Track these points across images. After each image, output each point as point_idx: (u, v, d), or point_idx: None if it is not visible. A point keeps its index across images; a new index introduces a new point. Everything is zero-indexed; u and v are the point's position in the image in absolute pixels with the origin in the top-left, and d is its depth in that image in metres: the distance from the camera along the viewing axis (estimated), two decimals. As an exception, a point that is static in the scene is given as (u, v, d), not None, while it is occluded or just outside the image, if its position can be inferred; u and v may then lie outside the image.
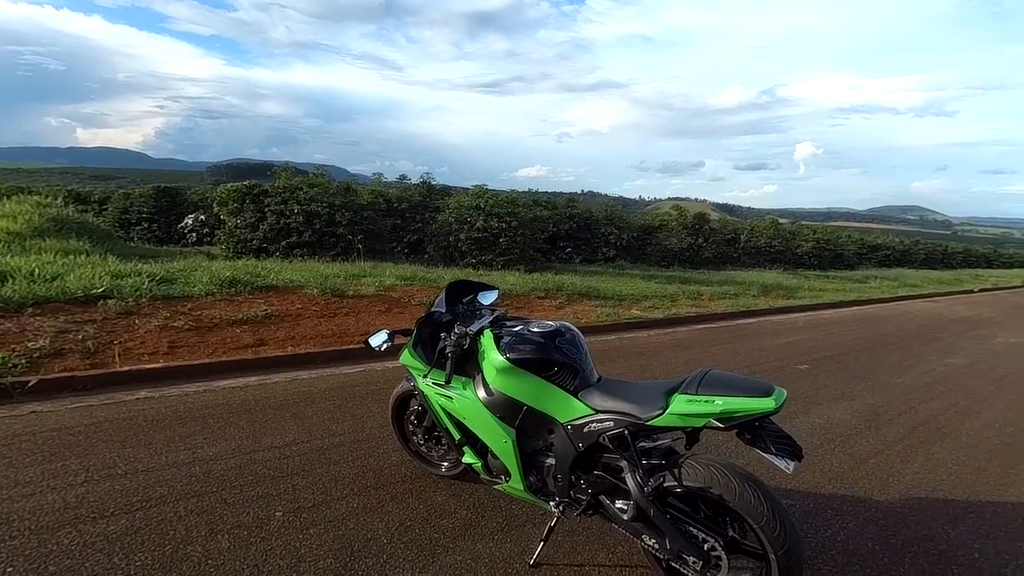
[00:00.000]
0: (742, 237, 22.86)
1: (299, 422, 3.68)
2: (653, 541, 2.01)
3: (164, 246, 16.91)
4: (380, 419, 3.69)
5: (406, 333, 2.77)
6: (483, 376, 2.37)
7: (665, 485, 1.97)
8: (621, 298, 9.63)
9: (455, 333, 2.42)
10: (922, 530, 2.79)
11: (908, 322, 10.35)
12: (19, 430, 3.35)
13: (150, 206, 20.20)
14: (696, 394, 1.85)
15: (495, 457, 2.41)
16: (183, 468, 2.97)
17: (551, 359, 2.21)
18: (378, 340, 2.70)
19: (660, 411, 1.91)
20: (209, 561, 2.23)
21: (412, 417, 3.01)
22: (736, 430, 1.84)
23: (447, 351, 2.41)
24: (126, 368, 4.39)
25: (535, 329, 2.32)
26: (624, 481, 2.05)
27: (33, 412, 3.64)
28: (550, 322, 2.40)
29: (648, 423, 1.94)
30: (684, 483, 1.93)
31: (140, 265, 6.96)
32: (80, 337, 4.74)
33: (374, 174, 18.29)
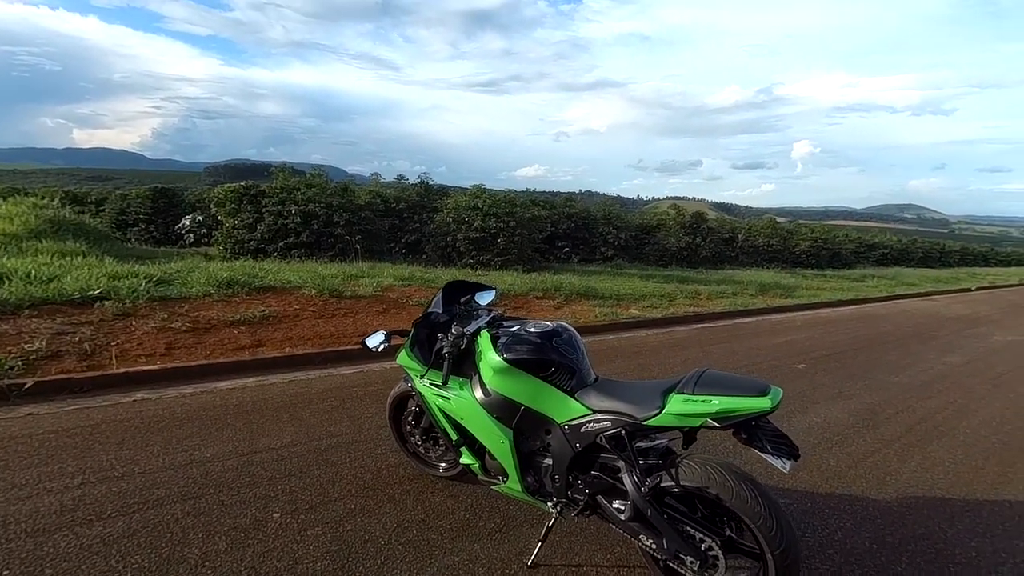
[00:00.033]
0: (740, 236, 22.89)
1: (297, 423, 3.68)
2: (651, 541, 2.01)
3: (161, 247, 16.89)
4: (378, 420, 3.69)
5: (403, 334, 2.77)
6: (480, 376, 2.37)
7: (662, 485, 1.97)
8: (619, 298, 9.63)
9: (452, 333, 2.42)
10: (919, 529, 2.79)
11: (906, 321, 10.37)
12: (15, 432, 3.34)
13: (147, 207, 20.17)
14: (693, 394, 1.85)
15: (492, 458, 2.40)
16: (180, 470, 2.97)
17: (548, 359, 2.21)
18: (375, 341, 2.70)
19: (657, 411, 1.91)
20: (206, 563, 2.23)
21: (410, 418, 3.00)
22: (733, 430, 1.84)
23: (444, 352, 2.41)
24: (123, 370, 4.38)
25: (532, 329, 2.32)
26: (621, 481, 2.05)
27: (29, 414, 3.63)
28: (547, 322, 2.39)
29: (645, 423, 1.94)
30: (681, 483, 1.93)
31: (137, 266, 6.95)
32: (77, 339, 4.73)
33: (372, 174, 18.31)
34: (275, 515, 2.58)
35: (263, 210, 11.72)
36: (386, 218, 14.04)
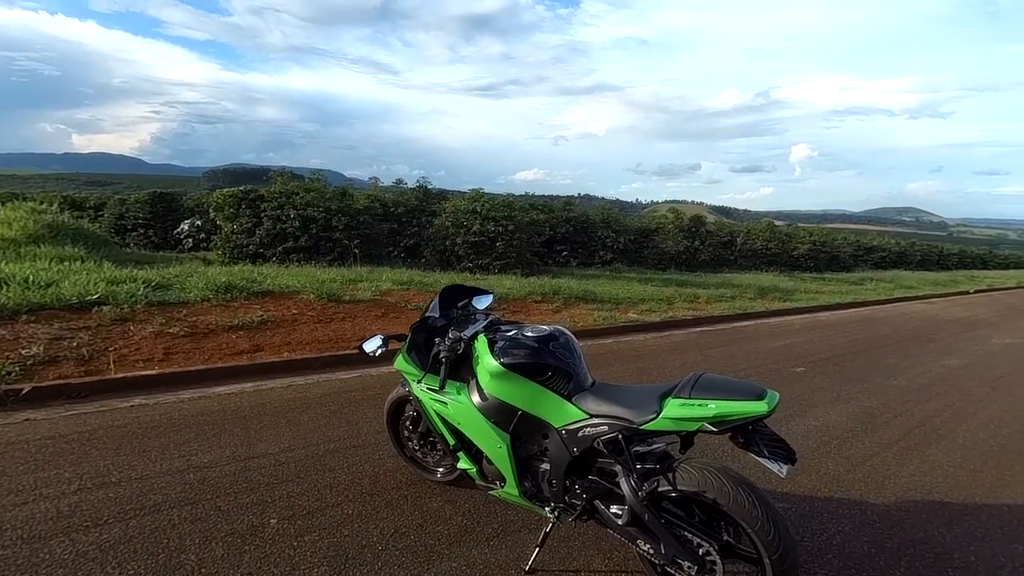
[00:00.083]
0: (738, 240, 22.93)
1: (295, 428, 3.67)
2: (648, 546, 2.00)
3: (160, 252, 16.86)
4: (376, 425, 3.68)
5: (400, 338, 2.77)
6: (477, 381, 2.37)
7: (659, 489, 1.96)
8: (618, 301, 9.64)
9: (449, 338, 2.42)
10: (918, 533, 2.79)
11: (904, 324, 10.38)
12: (12, 438, 3.33)
13: (146, 212, 20.15)
14: (689, 398, 1.86)
15: (490, 462, 2.40)
16: (177, 475, 2.96)
17: (545, 363, 2.21)
18: (372, 345, 2.69)
19: (654, 415, 1.91)
20: (203, 569, 2.22)
21: (407, 423, 3.00)
22: (729, 434, 1.84)
23: (441, 356, 2.41)
24: (121, 375, 4.37)
25: (529, 334, 2.32)
26: (619, 486, 2.04)
27: (27, 420, 3.62)
28: (544, 326, 2.40)
29: (642, 427, 1.94)
30: (678, 487, 1.93)
31: (135, 271, 6.94)
32: (75, 344, 4.72)
33: (370, 178, 18.33)
34: (272, 521, 2.57)
35: (262, 215, 11.72)
36: (385, 222, 14.05)
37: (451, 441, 2.55)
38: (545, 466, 2.27)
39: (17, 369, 4.18)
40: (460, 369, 2.47)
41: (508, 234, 12.75)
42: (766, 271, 20.09)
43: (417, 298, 7.72)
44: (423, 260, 13.61)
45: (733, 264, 21.52)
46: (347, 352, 5.40)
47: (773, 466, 1.80)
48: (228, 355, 5.09)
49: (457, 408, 2.43)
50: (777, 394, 1.82)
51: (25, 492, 2.71)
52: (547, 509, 2.27)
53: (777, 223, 28.17)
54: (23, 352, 4.40)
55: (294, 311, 6.45)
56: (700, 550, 1.93)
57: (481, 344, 2.36)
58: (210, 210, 13.33)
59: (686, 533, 1.96)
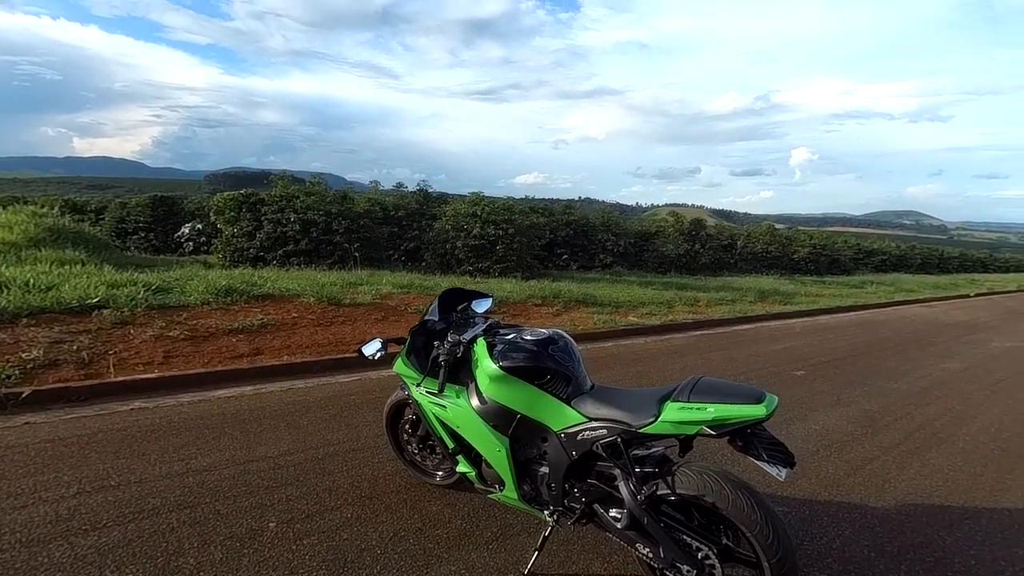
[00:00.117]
0: (739, 243, 22.95)
1: (294, 432, 3.67)
2: (647, 550, 2.00)
3: (161, 255, 16.90)
4: (375, 428, 3.68)
5: (400, 342, 2.77)
6: (476, 384, 2.37)
7: (658, 493, 1.96)
8: (618, 305, 9.64)
9: (448, 341, 2.42)
10: (918, 537, 2.78)
11: (904, 327, 10.38)
12: (12, 441, 3.33)
13: (147, 215, 20.22)
14: (688, 401, 1.85)
15: (489, 466, 2.40)
16: (176, 479, 2.96)
17: (544, 367, 2.21)
18: (371, 349, 2.70)
19: (652, 419, 1.91)
20: (201, 573, 2.22)
21: (407, 426, 3.00)
22: (728, 437, 1.84)
23: (440, 359, 2.41)
24: (120, 378, 4.38)
25: (528, 337, 2.32)
26: (618, 489, 2.04)
27: (26, 423, 3.62)
28: (543, 330, 2.40)
29: (641, 431, 1.94)
30: (677, 491, 1.93)
31: (136, 275, 6.95)
32: (75, 347, 4.72)
33: (371, 182, 18.36)
34: (271, 524, 2.57)
35: (262, 218, 11.74)
36: (385, 226, 14.07)
37: (450, 444, 2.55)
38: (544, 470, 2.27)
39: (17, 372, 4.19)
40: (459, 373, 2.47)
41: (508, 237, 12.77)
42: (766, 274, 20.11)
43: (417, 301, 7.72)
44: (423, 263, 13.63)
45: (733, 267, 21.53)
46: (347, 355, 5.40)
47: (772, 470, 1.80)
48: (228, 358, 5.10)
49: (456, 411, 2.43)
50: (776, 398, 1.82)
51: (24, 495, 2.71)
52: (546, 513, 2.27)
53: (777, 226, 28.19)
54: (23, 355, 4.41)
55: (294, 314, 6.45)
56: (699, 554, 1.93)
57: (480, 347, 2.36)
58: (211, 214, 13.35)
59: (685, 537, 1.96)
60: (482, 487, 2.50)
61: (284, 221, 11.61)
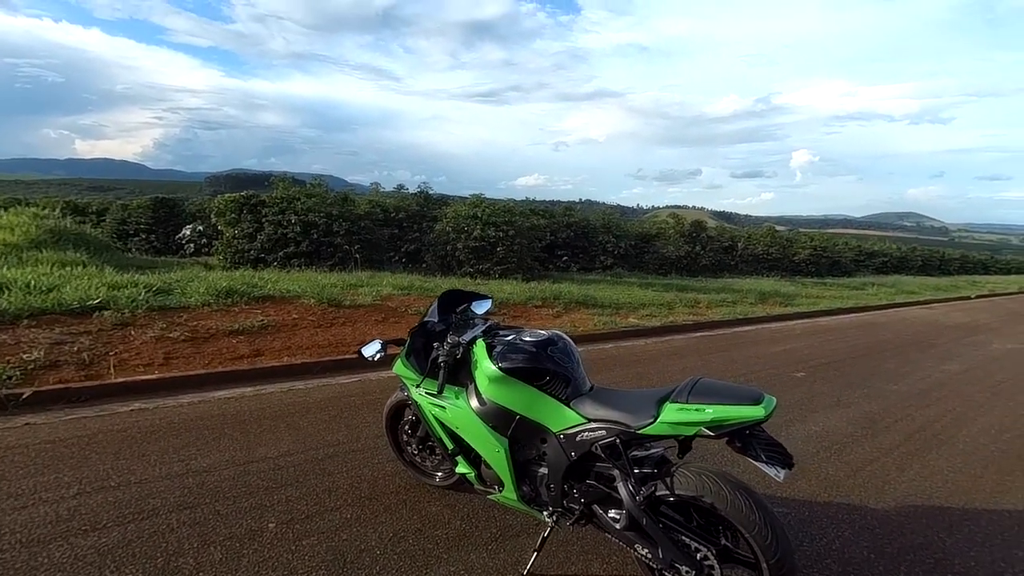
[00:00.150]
0: (739, 245, 22.94)
1: (294, 433, 3.68)
2: (646, 550, 2.00)
3: (162, 257, 16.92)
4: (375, 429, 3.69)
5: (399, 343, 2.77)
6: (476, 385, 2.37)
7: (657, 494, 1.96)
8: (618, 306, 9.64)
9: (448, 343, 2.43)
10: (918, 538, 2.78)
11: (905, 329, 10.37)
12: (12, 442, 3.34)
13: (148, 217, 20.23)
14: (687, 402, 1.86)
15: (488, 467, 2.40)
16: (176, 480, 2.96)
17: (543, 368, 2.22)
18: (371, 350, 2.71)
19: (651, 420, 1.91)
20: (201, 573, 2.22)
21: (406, 427, 3.00)
22: (727, 438, 1.84)
23: (440, 361, 2.42)
24: (121, 379, 4.38)
25: (527, 338, 2.33)
26: (617, 490, 2.04)
27: (27, 424, 3.63)
28: (542, 331, 2.40)
29: (639, 432, 1.94)
30: (676, 492, 1.93)
31: (137, 276, 6.96)
32: (75, 349, 4.73)
33: (372, 184, 18.35)
34: (271, 525, 2.57)
35: (263, 220, 11.76)
36: (386, 227, 14.08)
37: (449, 445, 2.55)
38: (543, 470, 2.27)
39: (18, 373, 4.19)
40: (459, 374, 2.47)
41: (509, 239, 12.77)
42: (767, 276, 20.10)
43: (417, 303, 7.73)
44: (424, 265, 13.64)
45: (734, 269, 21.52)
46: (347, 356, 5.40)
47: (770, 471, 1.80)
48: (228, 360, 5.10)
49: (455, 412, 2.43)
50: (774, 399, 1.82)
51: (25, 496, 2.72)
52: (545, 513, 2.27)
53: (778, 228, 28.21)
54: (24, 356, 4.42)
55: (294, 316, 6.46)
56: (698, 554, 1.93)
57: (480, 349, 2.37)
58: (212, 215, 13.36)
59: (684, 537, 1.96)
60: (481, 488, 2.51)
61: (285, 223, 11.62)
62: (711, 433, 1.81)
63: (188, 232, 18.74)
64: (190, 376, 4.63)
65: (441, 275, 11.99)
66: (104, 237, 13.13)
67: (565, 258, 17.33)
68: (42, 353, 4.51)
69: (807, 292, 15.46)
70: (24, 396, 3.94)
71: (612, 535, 2.12)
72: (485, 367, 2.28)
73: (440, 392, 2.42)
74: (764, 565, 1.81)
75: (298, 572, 2.26)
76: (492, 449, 2.32)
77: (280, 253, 11.53)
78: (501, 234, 12.71)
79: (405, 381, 2.74)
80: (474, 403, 2.36)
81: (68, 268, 6.99)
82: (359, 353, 2.73)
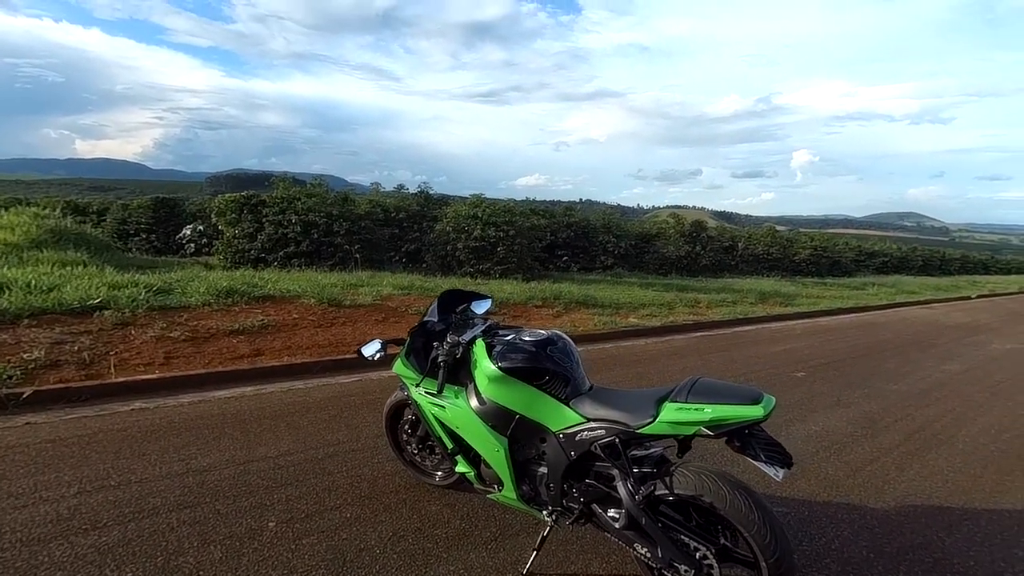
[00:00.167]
0: (740, 245, 22.93)
1: (294, 432, 3.68)
2: (645, 550, 2.00)
3: (162, 257, 16.93)
4: (375, 429, 3.69)
5: (399, 343, 2.78)
6: (475, 385, 2.37)
7: (656, 493, 1.97)
8: (618, 306, 9.64)
9: (447, 342, 2.43)
10: (917, 538, 2.78)
11: (905, 329, 10.37)
12: (13, 441, 3.34)
13: (148, 217, 20.24)
14: (686, 402, 1.86)
15: (488, 466, 2.41)
16: (176, 479, 2.97)
17: (542, 367, 2.22)
18: (371, 350, 2.71)
19: (650, 419, 1.92)
20: (201, 572, 2.22)
21: (406, 427, 3.01)
22: (726, 438, 1.85)
23: (439, 360, 2.42)
24: (121, 379, 4.39)
25: (526, 338, 2.33)
26: (616, 490, 2.05)
27: (27, 423, 3.64)
28: (541, 331, 2.41)
29: (639, 431, 1.95)
30: (675, 491, 1.93)
31: (137, 276, 6.97)
32: (76, 348, 4.74)
33: (372, 184, 18.36)
34: (271, 524, 2.58)
35: (263, 220, 11.77)
36: (386, 227, 14.09)
37: (449, 445, 2.56)
38: (543, 470, 2.27)
39: (18, 373, 4.20)
40: (458, 373, 2.48)
41: (509, 239, 12.78)
42: (767, 276, 20.10)
43: (418, 303, 7.73)
44: (424, 265, 13.64)
45: (734, 269, 21.52)
46: (347, 356, 5.41)
47: (769, 470, 1.80)
48: (228, 359, 5.11)
49: (455, 412, 2.44)
50: (773, 398, 1.82)
51: (25, 495, 2.72)
52: (545, 513, 2.27)
53: (778, 228, 28.20)
54: (24, 356, 4.42)
55: (295, 315, 6.46)
56: (697, 554, 1.93)
57: (479, 348, 2.37)
58: (212, 215, 13.37)
59: (683, 537, 1.96)
60: (481, 487, 2.51)
61: (285, 223, 11.63)
62: (710, 432, 1.81)
63: (188, 232, 18.75)
64: (190, 376, 4.63)
65: (441, 275, 12.00)
66: (104, 237, 13.14)
67: (565, 258, 17.33)
68: (43, 353, 4.52)
69: (807, 292, 15.46)
70: (25, 395, 3.95)
71: (611, 534, 2.12)
72: (485, 367, 2.29)
73: (440, 391, 2.43)
74: (763, 564, 1.82)
75: (298, 571, 2.26)
76: (492, 448, 2.32)
77: (280, 253, 11.54)
78: (501, 234, 12.72)
79: (405, 381, 2.74)
80: (474, 402, 2.37)
81: (68, 268, 7.00)
82: (359, 353, 2.74)
